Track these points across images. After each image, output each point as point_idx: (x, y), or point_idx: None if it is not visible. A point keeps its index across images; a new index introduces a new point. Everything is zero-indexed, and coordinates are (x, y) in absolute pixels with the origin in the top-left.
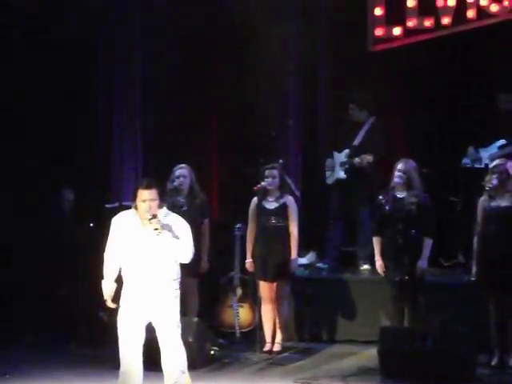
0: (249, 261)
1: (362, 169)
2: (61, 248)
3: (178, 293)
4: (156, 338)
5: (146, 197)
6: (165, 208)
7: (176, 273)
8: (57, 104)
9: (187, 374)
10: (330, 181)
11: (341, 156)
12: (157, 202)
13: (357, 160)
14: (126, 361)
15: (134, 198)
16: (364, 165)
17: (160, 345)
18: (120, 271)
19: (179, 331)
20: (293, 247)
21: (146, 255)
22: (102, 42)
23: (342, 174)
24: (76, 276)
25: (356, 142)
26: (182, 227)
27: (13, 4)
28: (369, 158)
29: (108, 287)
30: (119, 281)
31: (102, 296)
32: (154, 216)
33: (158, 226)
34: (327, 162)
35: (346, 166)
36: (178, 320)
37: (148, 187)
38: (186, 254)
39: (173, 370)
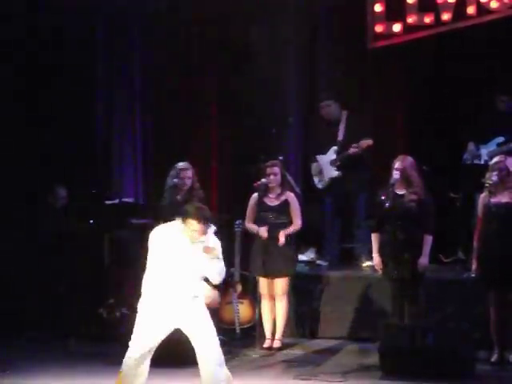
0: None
1: (359, 157)
2: (57, 245)
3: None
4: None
5: (198, 229)
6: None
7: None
8: (56, 103)
9: (225, 367)
10: (321, 185)
11: (327, 156)
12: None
13: (352, 149)
14: (133, 359)
15: (184, 216)
16: (361, 151)
17: (194, 345)
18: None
19: (214, 331)
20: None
21: (182, 266)
22: (102, 42)
23: (334, 173)
24: (75, 273)
25: (340, 137)
26: (219, 251)
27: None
28: (368, 141)
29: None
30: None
31: (102, 293)
32: (208, 250)
33: (213, 255)
34: (313, 168)
35: (338, 163)
36: (209, 321)
37: (205, 222)
38: (219, 277)
39: (210, 368)
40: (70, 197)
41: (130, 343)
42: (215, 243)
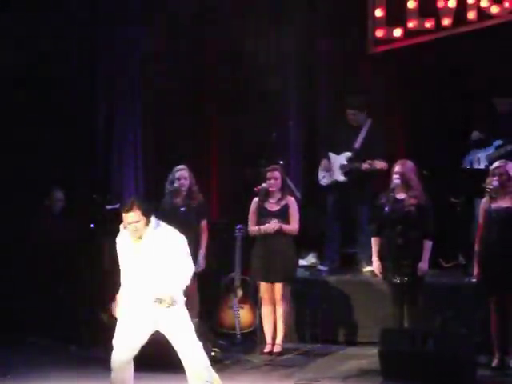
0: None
1: (368, 173)
2: (54, 248)
3: (183, 300)
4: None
5: (130, 219)
6: (153, 221)
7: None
8: (56, 104)
9: (211, 369)
10: (324, 182)
11: (339, 158)
12: (142, 222)
13: (365, 165)
14: (119, 369)
15: (121, 221)
16: (373, 169)
17: (176, 349)
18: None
19: (193, 332)
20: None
21: (144, 271)
22: (103, 42)
23: (341, 178)
24: (75, 276)
25: (357, 144)
26: (175, 243)
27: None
28: (383, 164)
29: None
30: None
31: (102, 297)
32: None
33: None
34: (323, 163)
35: (347, 170)
36: (188, 322)
37: (129, 210)
38: (186, 275)
39: (196, 369)
40: (71, 201)
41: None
42: (167, 239)
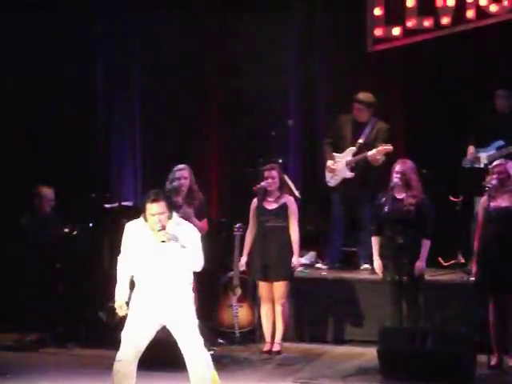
0: (244, 259)
1: (374, 166)
2: (44, 248)
3: (192, 296)
4: (158, 338)
5: (155, 211)
6: (175, 217)
7: (188, 278)
8: (56, 104)
9: (213, 369)
10: (332, 183)
11: (344, 156)
12: (166, 215)
13: (371, 153)
14: (126, 361)
15: (142, 210)
16: (379, 155)
17: (180, 346)
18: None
19: (197, 331)
20: (294, 248)
21: (158, 264)
22: (102, 42)
23: (348, 174)
24: (75, 276)
25: (361, 139)
26: (191, 237)
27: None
28: (388, 147)
29: (121, 294)
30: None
31: (101, 296)
32: (163, 228)
33: (165, 238)
34: (328, 165)
35: (353, 165)
36: (195, 321)
37: (155, 201)
38: (196, 262)
39: (198, 368)
40: (72, 201)
41: (121, 345)
42: (185, 232)
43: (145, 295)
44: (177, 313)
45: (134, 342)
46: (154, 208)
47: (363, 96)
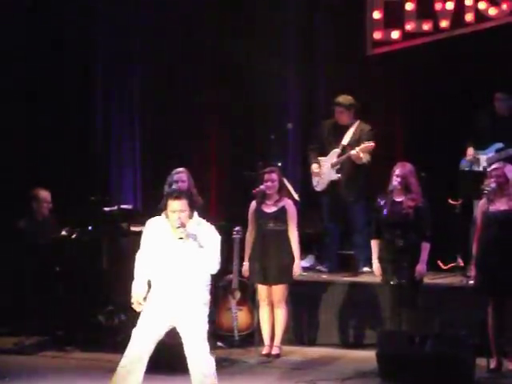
0: (246, 264)
1: (359, 165)
2: (43, 251)
3: (207, 299)
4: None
5: (176, 208)
6: (196, 217)
7: (206, 279)
8: (55, 105)
9: (214, 378)
10: (319, 187)
11: (329, 158)
12: (187, 213)
13: (353, 152)
14: (133, 357)
15: (164, 207)
16: (362, 153)
17: (185, 349)
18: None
19: (205, 337)
20: (295, 251)
21: (176, 262)
22: (102, 43)
23: (334, 176)
24: (73, 278)
25: (345, 141)
26: (210, 238)
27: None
28: (370, 144)
29: (138, 290)
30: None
31: (101, 300)
32: (183, 225)
33: (183, 235)
34: (313, 168)
35: (338, 166)
36: (205, 326)
37: (178, 198)
38: (211, 264)
39: (198, 373)
40: (71, 204)
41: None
42: (205, 232)
43: (160, 293)
44: (189, 315)
45: (142, 339)
46: (176, 205)
47: (342, 99)
